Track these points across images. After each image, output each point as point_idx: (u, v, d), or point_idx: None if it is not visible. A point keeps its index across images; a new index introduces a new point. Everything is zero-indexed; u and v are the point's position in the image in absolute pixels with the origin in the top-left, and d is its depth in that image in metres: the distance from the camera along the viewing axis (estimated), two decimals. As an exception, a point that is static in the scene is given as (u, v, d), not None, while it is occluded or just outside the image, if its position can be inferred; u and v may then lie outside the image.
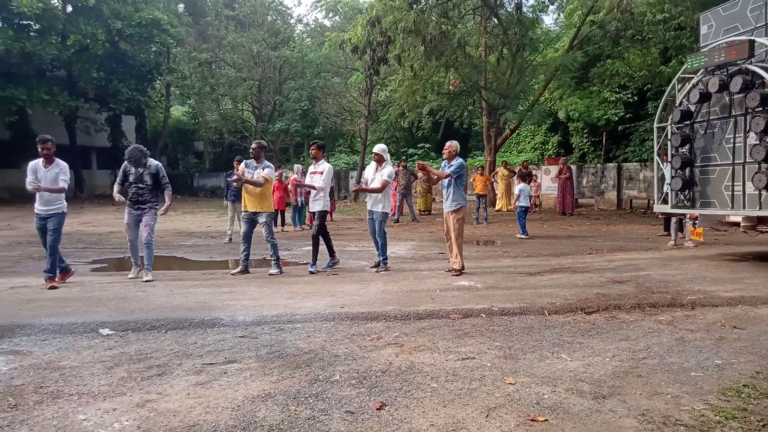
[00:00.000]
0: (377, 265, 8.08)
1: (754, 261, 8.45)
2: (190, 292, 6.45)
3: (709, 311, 5.41)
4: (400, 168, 16.26)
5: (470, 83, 18.69)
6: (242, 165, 8.07)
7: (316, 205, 8.13)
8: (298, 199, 14.47)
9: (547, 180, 20.27)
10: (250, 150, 8.14)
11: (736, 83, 7.18)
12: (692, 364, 3.91)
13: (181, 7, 35.72)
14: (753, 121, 7.04)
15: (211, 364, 3.96)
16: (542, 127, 26.70)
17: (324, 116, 30.32)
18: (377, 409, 3.18)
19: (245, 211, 7.93)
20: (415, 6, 15.79)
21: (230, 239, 11.89)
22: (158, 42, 27.76)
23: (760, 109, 6.93)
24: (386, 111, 26.11)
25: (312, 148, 8.25)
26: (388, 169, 7.98)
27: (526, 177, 13.98)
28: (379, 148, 8.12)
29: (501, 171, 19.04)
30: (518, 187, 12.64)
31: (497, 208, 19.28)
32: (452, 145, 7.66)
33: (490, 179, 18.47)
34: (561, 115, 22.92)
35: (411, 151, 31.66)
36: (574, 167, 20.19)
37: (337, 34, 19.30)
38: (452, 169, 7.48)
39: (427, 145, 32.53)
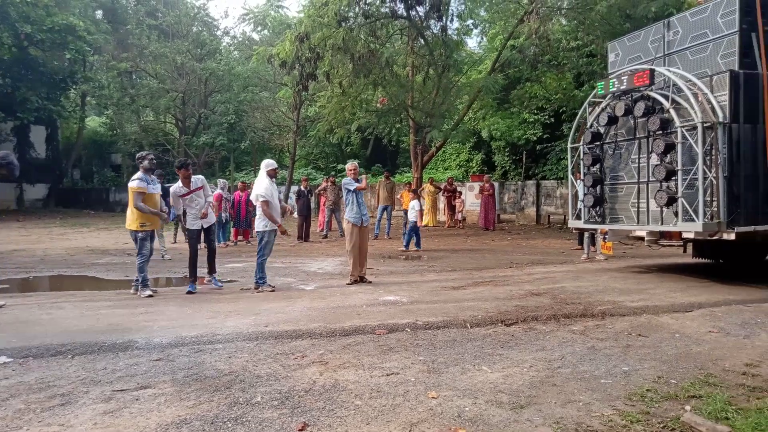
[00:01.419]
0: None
1: (657, 272, 9.10)
2: (102, 314, 6.07)
3: (618, 320, 5.75)
4: (329, 183, 16.23)
5: (398, 102, 19.02)
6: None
7: (205, 222, 7.88)
8: (222, 214, 14.05)
9: (471, 196, 20.90)
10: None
11: (639, 108, 7.76)
12: (602, 372, 4.13)
13: (99, 13, 34.06)
14: (654, 143, 7.62)
15: (122, 390, 3.73)
16: (466, 146, 27.56)
17: (251, 130, 29.76)
18: (299, 430, 3.12)
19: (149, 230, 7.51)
20: (344, 24, 15.93)
21: (163, 257, 11.36)
22: (73, 49, 26.26)
23: (660, 132, 7.52)
24: (315, 126, 26.04)
25: (189, 169, 7.81)
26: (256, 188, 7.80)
27: (416, 194, 14.30)
28: (275, 164, 8.05)
29: (427, 187, 19.43)
30: (411, 203, 13.01)
31: (424, 223, 19.61)
32: (355, 164, 8.31)
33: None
34: (484, 134, 23.79)
35: (340, 166, 31.69)
36: (496, 184, 20.97)
37: (265, 48, 19.11)
38: (363, 182, 8.07)
39: (357, 161, 32.64)
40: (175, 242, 14.23)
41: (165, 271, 10.11)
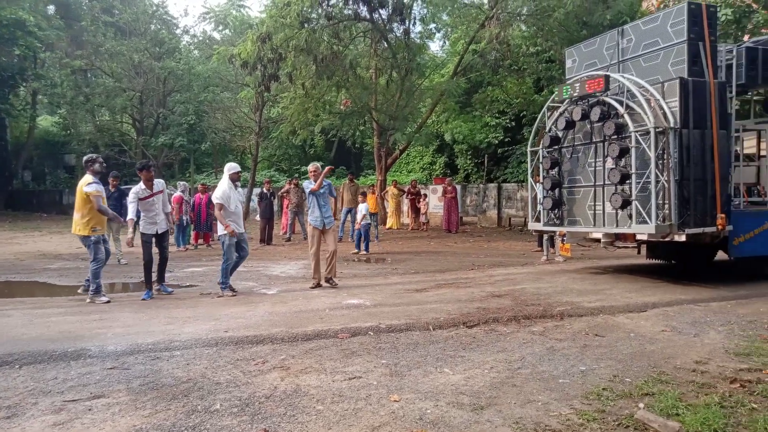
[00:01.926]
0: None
1: (613, 273, 9.37)
2: (53, 321, 5.84)
3: (576, 321, 5.89)
4: (292, 186, 16.07)
5: (361, 104, 19.01)
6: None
7: (162, 227, 7.71)
8: (183, 217, 13.75)
9: (435, 199, 21.08)
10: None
11: (595, 113, 7.98)
12: (560, 372, 4.22)
13: (51, 8, 32.84)
14: (609, 147, 7.86)
15: (74, 400, 3.59)
16: (430, 149, 27.77)
17: (212, 131, 29.20)
18: (259, 437, 3.07)
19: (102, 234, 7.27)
20: (306, 25, 15.81)
21: (119, 261, 11.00)
22: (23, 45, 25.22)
23: (615, 136, 7.75)
24: (278, 128, 25.77)
25: (150, 171, 7.65)
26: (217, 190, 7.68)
27: (364, 196, 14.29)
28: (238, 168, 7.87)
29: (391, 190, 19.49)
30: (359, 206, 13.10)
31: (388, 225, 19.68)
32: (317, 165, 8.23)
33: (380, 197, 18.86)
34: (447, 137, 24.02)
35: (304, 168, 31.45)
36: (458, 187, 21.20)
37: (226, 48, 18.81)
38: (326, 186, 8.00)
39: (320, 163, 32.40)
40: (132, 246, 13.80)
41: (121, 276, 9.81)
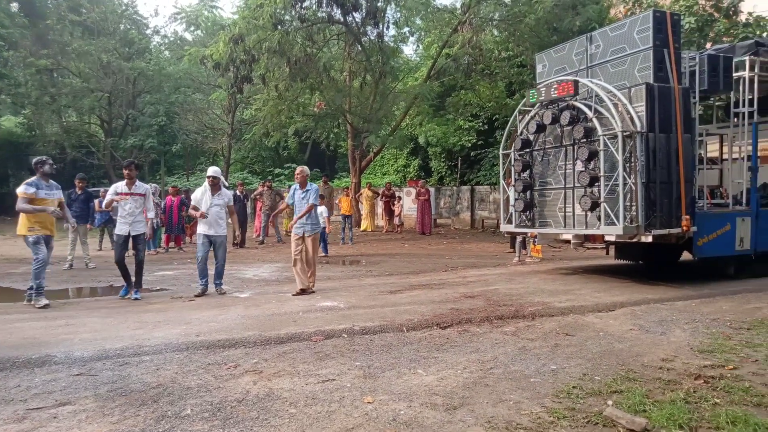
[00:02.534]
0: (202, 294, 7.73)
1: (583, 274, 9.55)
2: (17, 327, 5.67)
3: (547, 321, 5.99)
4: (265, 188, 15.95)
5: (335, 106, 18.99)
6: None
7: (136, 228, 7.55)
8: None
9: (409, 201, 21.16)
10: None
11: (565, 117, 8.13)
12: (532, 371, 4.28)
13: (14, 6, 31.87)
14: (579, 150, 8.02)
15: (38, 408, 3.50)
16: (404, 151, 27.88)
17: (183, 133, 28.78)
18: (231, 441, 3.03)
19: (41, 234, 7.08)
20: (280, 27, 15.73)
21: (71, 265, 10.71)
22: (-16, 43, 24.43)
23: (585, 140, 7.91)
24: (251, 130, 25.54)
25: (131, 168, 7.60)
26: (228, 193, 8.07)
27: (323, 199, 13.96)
28: (216, 170, 7.92)
29: (366, 192, 19.50)
30: (319, 209, 12.83)
31: (362, 228, 19.68)
32: (304, 170, 7.90)
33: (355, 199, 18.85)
34: (421, 140, 24.16)
35: (277, 171, 31.24)
36: (432, 189, 21.33)
37: (198, 49, 18.59)
38: (313, 198, 7.72)
39: (294, 166, 32.26)
40: (100, 249, 13.53)
41: (89, 280, 9.58)
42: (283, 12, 15.92)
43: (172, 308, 6.83)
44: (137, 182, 7.62)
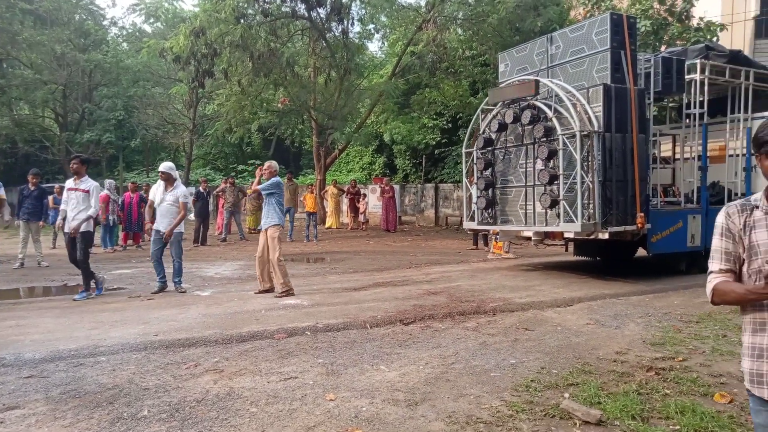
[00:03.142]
0: (161, 290, 7.60)
1: (543, 270, 9.76)
2: (-38, 329, 5.42)
3: (507, 316, 6.10)
4: (228, 185, 15.69)
5: (299, 102, 18.83)
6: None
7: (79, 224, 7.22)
8: (110, 217, 13.11)
9: (374, 198, 21.19)
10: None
11: (526, 116, 8.28)
12: (492, 365, 4.35)
13: (-41, -8, 30.35)
14: (539, 149, 8.18)
15: (-15, 413, 3.36)
16: (369, 149, 27.86)
17: (143, 127, 28.01)
18: (189, 442, 2.98)
19: None
20: (242, 21, 15.49)
21: (22, 264, 10.30)
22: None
23: (545, 139, 8.08)
24: (213, 125, 25.07)
25: (74, 162, 7.37)
26: (183, 189, 7.74)
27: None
28: (167, 166, 7.74)
29: (331, 189, 19.42)
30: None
31: (327, 225, 19.60)
32: (271, 165, 7.61)
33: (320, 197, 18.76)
34: (386, 137, 24.20)
35: (241, 167, 30.77)
36: (397, 187, 21.41)
37: (157, 42, 18.09)
38: (264, 185, 7.38)
39: (258, 162, 31.81)
40: (54, 247, 13.07)
41: (41, 279, 9.23)
42: (245, 6, 15.69)
43: (130, 307, 6.66)
44: (85, 178, 7.29)
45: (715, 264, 1.93)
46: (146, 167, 32.33)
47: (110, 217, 13.14)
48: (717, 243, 1.93)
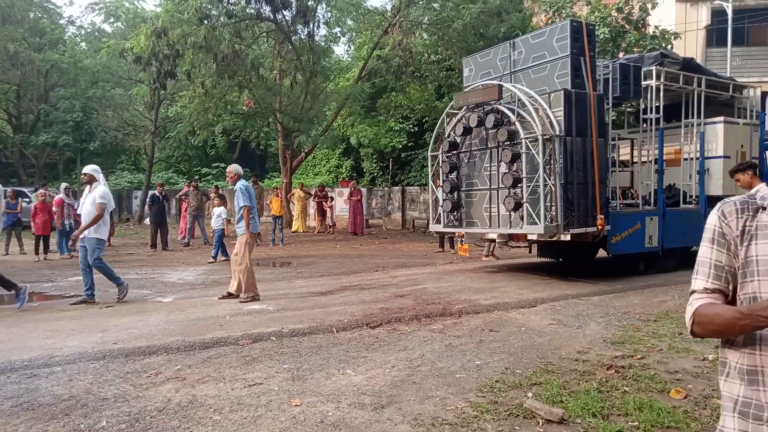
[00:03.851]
0: (84, 301, 7.15)
1: (508, 272, 9.91)
2: None
3: (473, 318, 6.17)
4: (191, 188, 15.37)
5: (265, 105, 18.65)
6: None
7: None
8: (65, 222, 12.69)
9: (341, 202, 21.13)
10: None
11: (490, 120, 8.41)
12: (458, 367, 4.39)
13: None
14: (503, 152, 8.30)
15: (-70, 429, 3.20)
16: (336, 152, 27.81)
17: (102, 130, 27.22)
18: (149, 453, 2.91)
19: None
20: (206, 22, 15.24)
21: None
22: None
23: (508, 142, 8.21)
24: (176, 127, 24.56)
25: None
26: (101, 189, 7.19)
27: (223, 200, 13.00)
28: (90, 168, 7.38)
29: (297, 193, 19.28)
30: (216, 210, 12.35)
31: (294, 229, 19.43)
32: (231, 169, 7.47)
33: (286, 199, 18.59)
34: (353, 140, 24.20)
35: (205, 170, 30.25)
36: (364, 190, 21.41)
37: (117, 42, 17.62)
38: (243, 199, 7.17)
39: (222, 165, 31.36)
40: (6, 254, 12.58)
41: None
42: (209, 7, 15.44)
43: (88, 315, 6.45)
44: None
45: (699, 281, 1.42)
46: (105, 170, 31.40)
47: (66, 222, 12.72)
48: (705, 252, 1.42)
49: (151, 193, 16.11)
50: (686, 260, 9.88)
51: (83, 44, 32.05)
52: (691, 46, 21.76)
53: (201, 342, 5.05)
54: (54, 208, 12.56)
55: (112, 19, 30.05)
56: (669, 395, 3.76)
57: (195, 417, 3.38)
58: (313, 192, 19.89)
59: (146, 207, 15.67)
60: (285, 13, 17.00)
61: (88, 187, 7.31)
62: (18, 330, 5.63)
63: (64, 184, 13.82)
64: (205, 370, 4.31)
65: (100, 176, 7.42)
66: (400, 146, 23.55)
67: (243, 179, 7.43)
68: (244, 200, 7.21)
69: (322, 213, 19.79)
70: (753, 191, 1.59)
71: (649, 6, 16.94)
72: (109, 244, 14.91)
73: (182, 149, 31.33)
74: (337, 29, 20.21)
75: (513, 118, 8.05)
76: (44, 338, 5.21)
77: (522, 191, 7.91)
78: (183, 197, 15.52)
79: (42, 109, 28.07)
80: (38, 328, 5.70)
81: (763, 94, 11.56)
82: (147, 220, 13.64)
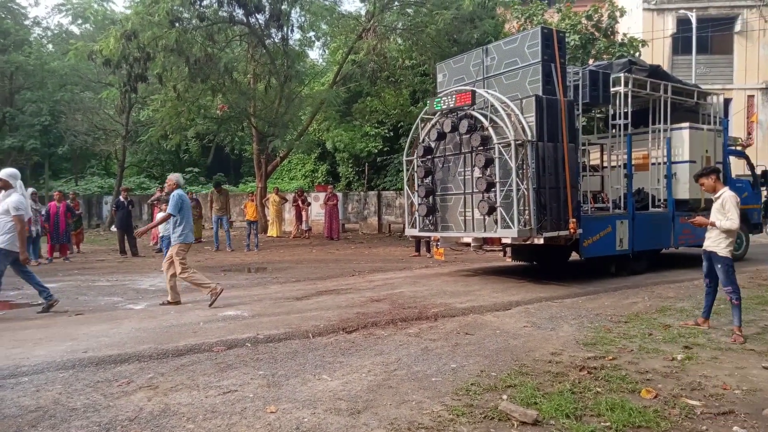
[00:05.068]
0: (50, 305, 7.04)
1: (483, 275, 10.00)
2: None
3: (448, 321, 6.20)
4: (163, 193, 15.10)
5: (239, 109, 18.48)
6: None
7: None
8: (32, 228, 12.33)
9: (316, 206, 21.04)
10: None
11: (464, 125, 8.48)
12: (433, 371, 4.41)
13: None
14: (476, 157, 8.38)
15: None
16: (312, 156, 27.69)
17: (71, 134, 26.59)
18: (121, 463, 2.85)
19: None
20: (177, 25, 15.03)
21: None
22: None
23: (482, 147, 8.29)
24: (147, 131, 24.16)
25: None
26: (14, 198, 6.76)
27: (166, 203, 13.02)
28: (5, 173, 6.95)
29: (272, 197, 19.13)
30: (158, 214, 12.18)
31: (269, 234, 19.27)
32: (172, 178, 7.51)
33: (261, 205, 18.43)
34: (329, 145, 24.15)
35: (178, 175, 29.76)
36: (340, 194, 21.38)
37: (85, 44, 17.25)
38: (171, 206, 7.17)
39: (196, 170, 30.97)
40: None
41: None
42: (180, 9, 15.25)
43: (56, 323, 6.29)
44: None
45: None
46: (75, 175, 30.74)
47: (33, 228, 12.36)
48: None
49: (115, 199, 15.78)
50: (656, 262, 10.14)
51: (50, 46, 31.32)
52: (658, 53, 22.39)
53: (174, 349, 4.97)
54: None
55: (80, 21, 29.50)
56: (640, 395, 3.84)
57: (168, 426, 3.33)
58: (292, 196, 19.76)
59: (111, 212, 15.31)
60: (258, 16, 16.88)
61: (3, 192, 6.86)
62: (-18, 340, 5.45)
63: (31, 190, 13.43)
64: (179, 378, 4.24)
65: (18, 183, 6.95)
66: (376, 151, 23.60)
67: (180, 189, 7.39)
68: (171, 208, 7.18)
69: (299, 218, 19.68)
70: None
71: (618, 14, 17.36)
72: (78, 250, 14.66)
73: (155, 154, 30.83)
74: (312, 33, 20.15)
75: (486, 123, 8.15)
76: (10, 348, 5.06)
77: (496, 195, 8.00)
78: (155, 202, 15.24)
79: (7, 113, 27.28)
80: (3, 337, 5.53)
81: (726, 101, 11.95)
82: (113, 227, 13.31)
